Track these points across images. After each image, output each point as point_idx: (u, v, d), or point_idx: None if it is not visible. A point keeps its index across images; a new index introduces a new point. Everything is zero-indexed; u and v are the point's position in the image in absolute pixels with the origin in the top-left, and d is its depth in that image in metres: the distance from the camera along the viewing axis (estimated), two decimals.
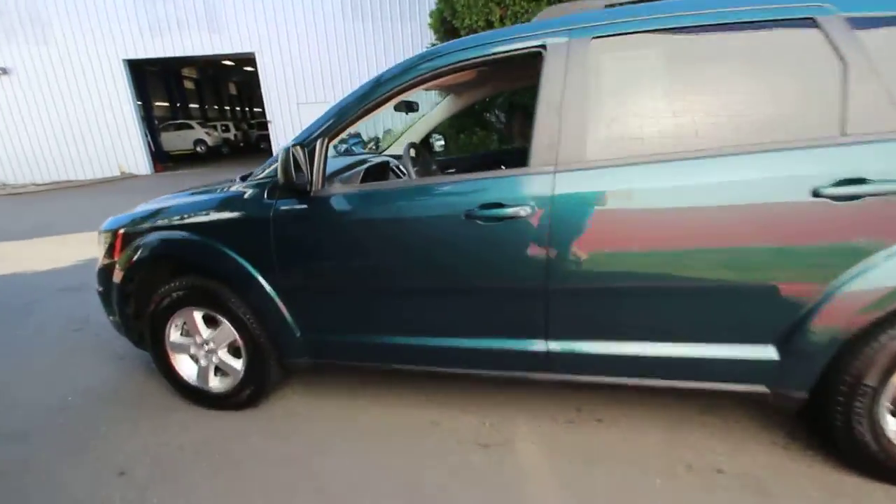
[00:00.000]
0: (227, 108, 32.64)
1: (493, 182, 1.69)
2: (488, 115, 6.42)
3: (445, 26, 6.14)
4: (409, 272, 1.82)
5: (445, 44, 1.84)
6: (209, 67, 25.53)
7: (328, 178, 1.93)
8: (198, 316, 2.16)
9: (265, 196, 1.93)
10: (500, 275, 1.70)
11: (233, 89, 33.58)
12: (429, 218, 1.75)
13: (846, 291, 1.41)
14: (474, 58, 1.73)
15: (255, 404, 2.23)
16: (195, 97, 28.17)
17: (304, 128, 1.92)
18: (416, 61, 1.80)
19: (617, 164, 1.55)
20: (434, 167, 2.83)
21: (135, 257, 2.15)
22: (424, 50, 1.96)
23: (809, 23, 1.41)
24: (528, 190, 1.61)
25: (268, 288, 1.97)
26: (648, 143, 1.55)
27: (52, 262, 5.06)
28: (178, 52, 14.12)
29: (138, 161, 14.93)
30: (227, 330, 2.11)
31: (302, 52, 13.90)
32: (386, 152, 3.11)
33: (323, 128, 1.87)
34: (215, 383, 2.23)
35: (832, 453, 1.70)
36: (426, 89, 1.99)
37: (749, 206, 1.44)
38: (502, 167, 2.31)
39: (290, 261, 1.93)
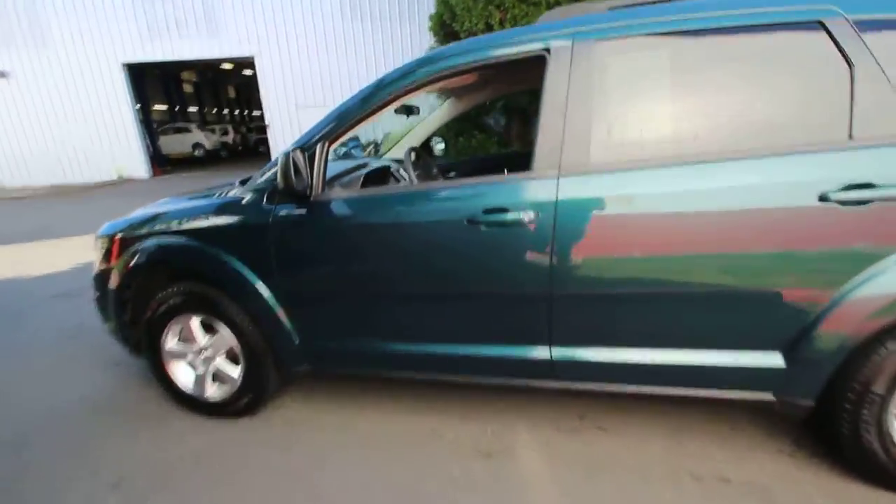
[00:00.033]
0: (226, 111, 32.66)
1: (495, 187, 1.67)
2: (487, 118, 6.42)
3: (445, 29, 6.14)
4: (411, 278, 1.79)
5: (448, 46, 1.82)
6: (208, 70, 25.57)
7: (328, 183, 1.91)
8: (195, 322, 2.13)
9: (264, 201, 1.91)
10: (504, 280, 1.68)
11: (231, 92, 33.59)
12: (430, 223, 1.73)
13: (854, 297, 1.39)
14: (478, 61, 1.71)
15: (253, 412, 2.20)
16: (194, 100, 28.20)
17: (302, 131, 1.90)
18: (417, 65, 1.78)
19: (623, 168, 1.53)
20: (435, 171, 2.81)
21: (132, 263, 2.13)
22: (424, 53, 1.94)
23: (816, 26, 1.39)
24: (532, 195, 1.59)
25: (267, 294, 1.94)
26: (654, 147, 1.54)
27: (49, 266, 5.02)
28: (178, 56, 14.11)
29: (136, 164, 14.89)
30: (225, 337, 2.08)
31: (301, 55, 13.89)
32: (386, 156, 3.09)
33: (323, 132, 1.84)
34: (213, 391, 2.20)
35: (839, 461, 1.68)
36: (428, 92, 1.97)
37: (756, 211, 1.42)
38: (503, 171, 2.29)
39: (290, 266, 1.90)
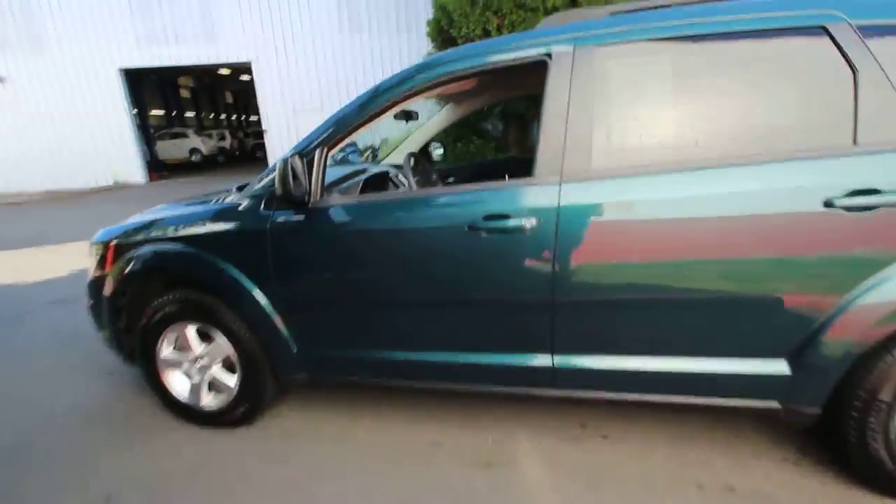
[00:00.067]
0: (223, 116, 32.63)
1: (496, 193, 1.65)
2: (485, 123, 6.42)
3: (443, 35, 6.15)
4: (410, 285, 1.77)
5: (447, 52, 1.81)
6: (205, 76, 25.53)
7: (327, 189, 1.89)
8: (191, 330, 2.10)
9: (262, 207, 1.89)
10: (505, 288, 1.66)
11: (229, 98, 33.60)
12: (430, 229, 1.71)
13: (860, 304, 1.38)
14: (478, 66, 1.70)
15: (249, 422, 2.16)
16: (191, 105, 28.16)
17: (300, 136, 1.89)
18: (415, 70, 1.77)
19: (625, 174, 1.52)
20: (434, 176, 2.79)
21: (127, 270, 2.09)
22: (423, 58, 1.93)
23: (819, 31, 1.39)
24: (534, 201, 1.57)
25: (264, 301, 1.91)
26: (656, 152, 1.52)
27: (45, 272, 4.98)
28: (175, 62, 14.11)
29: (133, 170, 14.83)
30: (221, 345, 2.05)
31: (298, 60, 13.92)
32: (384, 161, 3.07)
33: (322, 137, 1.83)
34: (208, 400, 2.16)
35: (844, 469, 1.66)
36: (427, 98, 1.96)
37: (761, 218, 1.41)
38: (502, 176, 2.28)
39: (288, 273, 1.88)
